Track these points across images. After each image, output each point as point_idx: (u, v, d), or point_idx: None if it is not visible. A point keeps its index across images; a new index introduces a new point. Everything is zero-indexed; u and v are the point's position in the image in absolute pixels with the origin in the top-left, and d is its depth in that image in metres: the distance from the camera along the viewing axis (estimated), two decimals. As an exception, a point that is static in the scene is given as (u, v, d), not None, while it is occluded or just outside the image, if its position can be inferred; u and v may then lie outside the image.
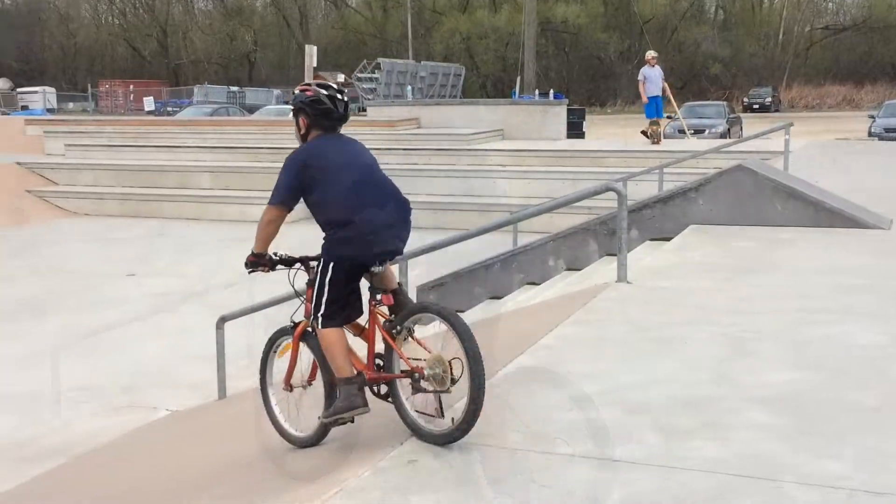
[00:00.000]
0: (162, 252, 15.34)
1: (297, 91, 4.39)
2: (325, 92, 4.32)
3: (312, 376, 4.44)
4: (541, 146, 19.85)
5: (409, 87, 42.15)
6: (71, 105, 67.96)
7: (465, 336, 3.78)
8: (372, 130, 22.10)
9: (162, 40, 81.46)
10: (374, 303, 4.18)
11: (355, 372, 4.05)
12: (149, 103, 59.17)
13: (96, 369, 8.93)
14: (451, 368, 3.77)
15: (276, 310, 8.95)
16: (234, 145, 21.89)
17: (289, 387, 4.61)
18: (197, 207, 19.07)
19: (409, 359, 3.95)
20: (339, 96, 4.37)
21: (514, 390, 4.48)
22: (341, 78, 64.87)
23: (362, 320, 4.26)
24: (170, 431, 6.71)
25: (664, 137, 20.57)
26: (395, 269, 4.65)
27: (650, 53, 19.58)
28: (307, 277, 4.55)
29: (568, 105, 24.63)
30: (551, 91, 42.47)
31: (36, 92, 66.68)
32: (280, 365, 4.75)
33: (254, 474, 4.51)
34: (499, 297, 9.69)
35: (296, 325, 4.60)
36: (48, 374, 8.78)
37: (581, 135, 25.90)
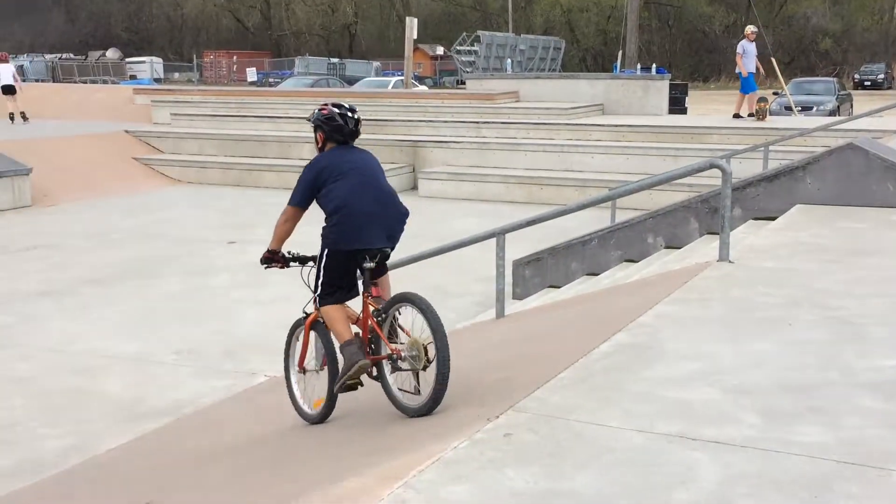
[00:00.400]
0: (262, 221, 15.59)
1: (315, 110, 4.96)
2: (337, 111, 4.90)
3: (324, 362, 4.99)
4: (641, 121, 19.55)
5: (509, 61, 41.90)
6: (176, 75, 69.62)
7: (434, 324, 4.29)
8: (470, 104, 22.07)
9: (265, 12, 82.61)
10: (366, 295, 4.77)
11: (353, 335, 4.67)
12: (251, 74, 60.17)
13: (199, 334, 9.15)
14: (425, 351, 4.31)
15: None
16: (334, 116, 22.09)
17: (302, 370, 5.31)
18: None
19: (390, 343, 4.54)
20: (349, 114, 4.91)
21: (611, 367, 4.43)
22: (440, 50, 64.99)
23: (358, 308, 4.84)
24: (269, 396, 6.84)
25: (770, 114, 20.11)
26: (391, 282, 5.23)
27: (750, 28, 19.31)
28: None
29: (670, 80, 24.18)
30: (653, 65, 41.77)
31: (144, 62, 68.48)
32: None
33: (349, 443, 4.56)
34: (596, 274, 9.59)
35: (307, 315, 5.28)
36: (154, 337, 9.05)
37: (683, 110, 25.45)
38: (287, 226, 5.04)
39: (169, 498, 4.58)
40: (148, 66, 66.90)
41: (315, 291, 4.76)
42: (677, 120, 20.96)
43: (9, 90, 23.77)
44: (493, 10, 72.56)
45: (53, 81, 54.20)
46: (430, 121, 21.06)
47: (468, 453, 3.46)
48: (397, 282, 10.72)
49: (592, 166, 17.82)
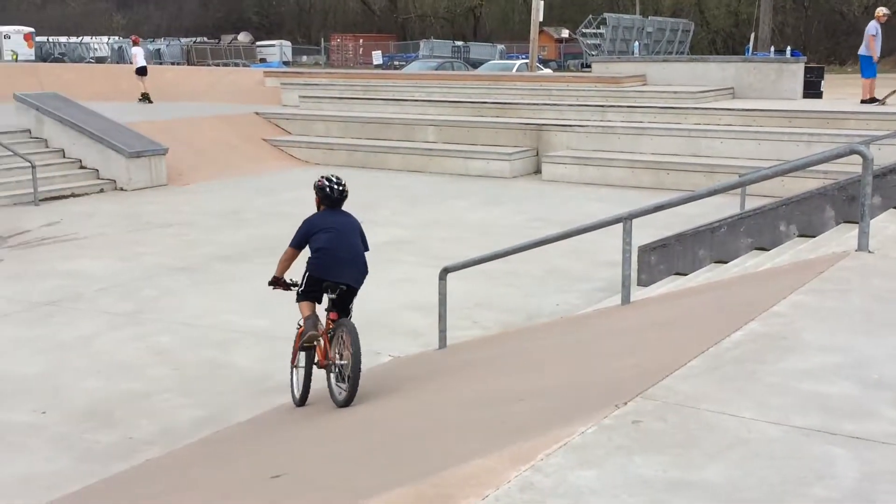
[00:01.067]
0: (386, 203, 15.80)
1: (315, 181, 6.74)
2: (327, 183, 6.63)
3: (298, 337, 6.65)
4: (774, 106, 18.99)
5: (636, 43, 41.21)
6: (304, 58, 70.97)
7: (353, 345, 5.94)
8: (596, 87, 21.82)
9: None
10: (328, 317, 6.44)
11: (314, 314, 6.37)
12: (377, 57, 60.88)
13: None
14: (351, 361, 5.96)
15: (500, 263, 9.08)
16: (459, 100, 22.19)
17: (294, 366, 6.80)
18: (421, 160, 19.50)
19: (330, 354, 6.24)
20: (336, 186, 6.63)
21: (744, 357, 4.32)
22: (565, 33, 64.39)
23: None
24: (392, 376, 6.93)
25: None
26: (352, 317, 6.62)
27: (881, 10, 18.46)
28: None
29: (805, 63, 23.38)
30: (788, 48, 40.42)
31: (273, 45, 70.10)
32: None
33: (473, 426, 4.58)
34: (724, 262, 9.38)
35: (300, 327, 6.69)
36: (281, 313, 9.27)
37: (818, 94, 24.56)
38: (287, 262, 6.66)
39: (299, 469, 4.70)
40: (277, 49, 68.47)
41: (298, 293, 6.52)
42: (812, 104, 20.24)
43: (142, 71, 24.85)
44: (621, -9, 71.41)
45: (188, 64, 55.97)
46: (555, 104, 20.92)
47: (596, 439, 3.43)
48: (524, 263, 10.71)
49: (721, 151, 17.40)
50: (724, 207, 11.83)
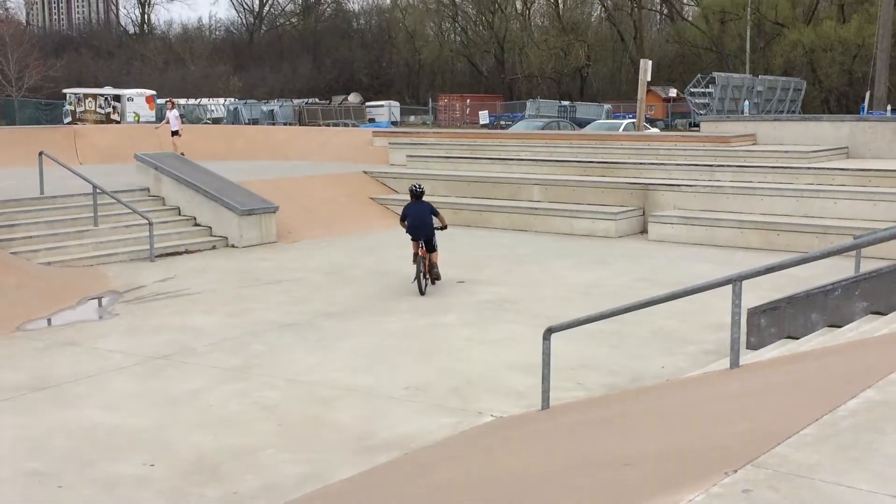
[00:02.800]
0: (491, 261, 15.82)
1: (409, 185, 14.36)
2: (413, 188, 13.56)
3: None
4: (891, 166, 18.41)
5: (746, 102, 40.67)
6: (412, 118, 72.18)
7: (432, 263, 13.38)
8: (704, 146, 21.56)
9: (499, 56, 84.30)
10: (422, 249, 13.19)
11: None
12: (484, 117, 61.49)
13: (428, 370, 9.36)
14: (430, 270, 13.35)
15: (604, 323, 8.96)
16: (564, 159, 22.19)
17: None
18: (526, 219, 19.51)
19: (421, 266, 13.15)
20: (416, 189, 13.58)
21: (860, 426, 4.14)
22: (673, 92, 64.00)
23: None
24: (496, 435, 6.87)
25: None
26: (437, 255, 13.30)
27: None
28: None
29: (924, 122, 22.67)
30: (904, 107, 39.31)
31: (382, 105, 71.53)
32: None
33: (579, 491, 4.50)
34: (838, 326, 9.06)
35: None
36: (385, 371, 9.33)
37: (937, 154, 23.72)
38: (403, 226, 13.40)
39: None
40: (386, 109, 69.84)
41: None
42: (931, 164, 19.56)
43: (175, 133, 26.14)
44: (730, 51, 70.76)
45: (300, 124, 57.51)
46: (662, 164, 20.73)
47: (703, 508, 3.32)
48: (629, 324, 10.55)
49: (835, 212, 16.93)
50: (837, 270, 11.47)
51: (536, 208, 19.63)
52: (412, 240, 13.16)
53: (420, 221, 13.12)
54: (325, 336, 10.79)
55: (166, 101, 27.69)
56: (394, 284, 13.85)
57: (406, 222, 13.26)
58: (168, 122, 26.58)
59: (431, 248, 13.18)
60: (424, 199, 13.57)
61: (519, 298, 12.77)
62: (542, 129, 34.94)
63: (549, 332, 7.44)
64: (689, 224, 17.64)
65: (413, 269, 13.33)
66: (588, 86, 79.94)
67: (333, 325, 11.30)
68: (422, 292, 12.97)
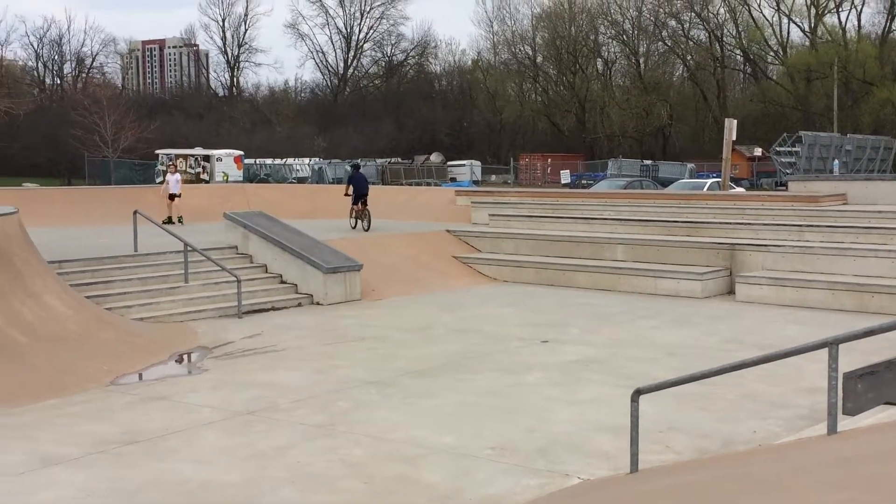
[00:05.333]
0: (574, 321, 15.71)
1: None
2: (354, 162, 26.39)
3: None
4: None
5: (835, 161, 39.98)
6: (493, 177, 72.58)
7: (368, 214, 23.04)
8: (792, 206, 21.24)
9: (580, 115, 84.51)
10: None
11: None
12: (565, 176, 61.52)
13: (513, 430, 9.28)
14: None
15: (692, 385, 8.81)
16: (648, 218, 22.03)
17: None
18: (609, 278, 19.36)
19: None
20: (357, 164, 25.98)
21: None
22: (758, 152, 63.25)
23: None
24: (584, 499, 6.77)
25: None
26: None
27: None
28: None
29: None
30: None
31: (463, 165, 72.14)
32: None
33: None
34: (941, 391, 8.74)
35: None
36: (470, 430, 9.29)
37: None
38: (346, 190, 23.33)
39: None
40: (467, 168, 70.41)
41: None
42: None
43: (173, 198, 26.09)
44: (817, 109, 69.82)
45: (383, 184, 58.26)
46: (749, 223, 20.44)
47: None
48: (718, 387, 10.33)
49: (932, 274, 16.44)
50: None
51: (620, 268, 19.48)
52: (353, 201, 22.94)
53: (363, 186, 23.31)
54: (410, 394, 10.80)
55: (168, 164, 27.98)
56: (476, 342, 13.83)
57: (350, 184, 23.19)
58: (168, 185, 26.58)
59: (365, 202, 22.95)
60: None
61: (604, 358, 12.63)
62: (625, 188, 34.75)
63: (638, 393, 7.34)
64: (779, 285, 17.30)
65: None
66: (670, 145, 79.51)
67: (417, 383, 11.31)
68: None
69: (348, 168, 23.93)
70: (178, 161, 45.30)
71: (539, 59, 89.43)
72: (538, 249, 21.55)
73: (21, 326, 11.95)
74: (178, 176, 27.35)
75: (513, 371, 11.93)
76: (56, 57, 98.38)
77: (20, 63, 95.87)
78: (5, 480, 7.87)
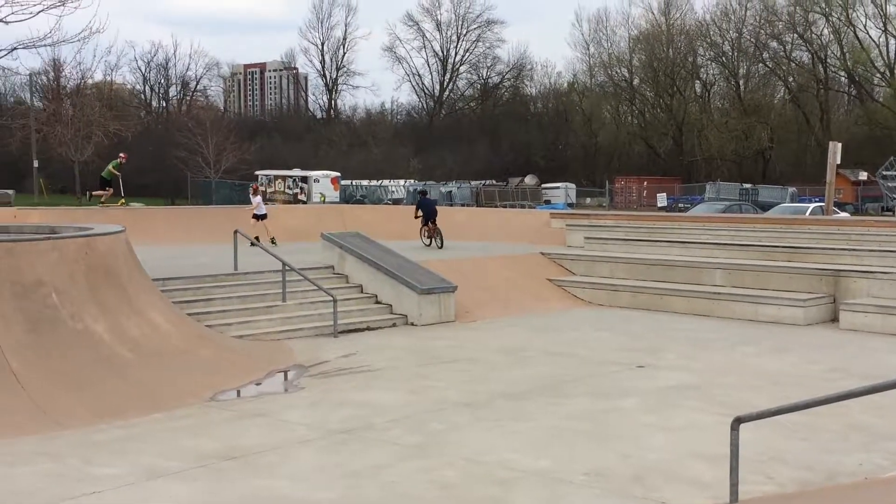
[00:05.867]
0: (671, 346, 15.47)
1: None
2: (422, 188, 33.39)
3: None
4: None
5: (944, 186, 38.57)
6: (588, 200, 72.15)
7: (439, 232, 24.89)
8: (901, 231, 20.58)
9: (677, 138, 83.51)
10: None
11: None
12: (661, 199, 60.81)
13: (607, 456, 9.17)
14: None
15: (794, 414, 8.57)
16: (748, 243, 21.60)
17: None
18: (707, 304, 19.02)
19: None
20: (424, 189, 31.95)
21: None
22: (863, 176, 61.49)
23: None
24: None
25: None
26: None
27: None
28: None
29: None
30: None
31: (558, 188, 71.92)
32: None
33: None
34: None
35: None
36: (563, 455, 9.21)
37: None
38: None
39: None
40: (562, 191, 70.16)
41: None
42: None
43: (261, 217, 25.45)
44: (925, 132, 67.55)
45: (477, 206, 58.44)
46: (854, 249, 19.87)
47: None
48: (820, 416, 10.04)
49: None
50: None
51: (719, 293, 19.12)
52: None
53: (432, 209, 25.11)
54: (503, 416, 10.77)
55: (252, 185, 27.41)
56: (570, 366, 13.73)
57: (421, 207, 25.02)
58: (254, 206, 26.05)
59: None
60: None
61: (701, 385, 12.40)
62: (723, 212, 34.18)
63: (738, 421, 7.18)
64: (885, 313, 16.75)
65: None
66: (771, 168, 77.91)
67: (511, 406, 11.27)
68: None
69: (418, 195, 26.50)
70: (263, 182, 45.77)
71: (636, 81, 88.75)
72: (634, 273, 21.31)
73: (127, 342, 12.31)
74: (258, 198, 26.60)
75: (607, 396, 11.79)
76: (162, 80, 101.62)
77: (129, 87, 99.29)
78: (112, 493, 8.10)
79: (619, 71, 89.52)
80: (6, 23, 13.69)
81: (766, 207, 42.01)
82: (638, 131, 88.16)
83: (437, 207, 26.48)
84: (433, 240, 24.64)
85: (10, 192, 56.05)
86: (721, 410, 10.52)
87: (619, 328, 17.40)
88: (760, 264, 19.76)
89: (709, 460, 8.84)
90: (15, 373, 10.76)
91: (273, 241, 24.81)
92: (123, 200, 29.93)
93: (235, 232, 18.46)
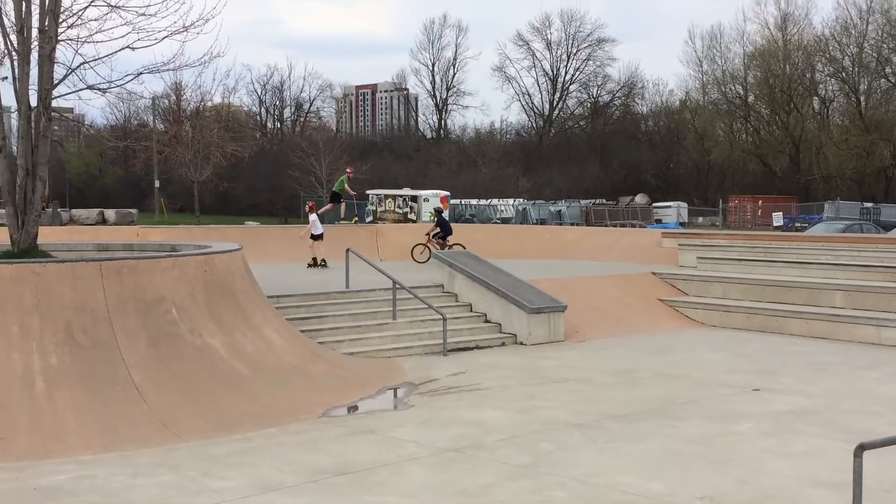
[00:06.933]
0: (788, 369, 15.04)
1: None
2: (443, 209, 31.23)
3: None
4: None
5: None
6: (700, 219, 70.82)
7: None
8: None
9: (794, 156, 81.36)
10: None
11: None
12: (777, 219, 59.22)
13: (723, 481, 8.97)
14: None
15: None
16: (870, 264, 20.85)
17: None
18: (826, 326, 18.43)
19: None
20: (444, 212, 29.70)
21: None
22: None
23: None
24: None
25: None
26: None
27: None
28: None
29: None
30: None
31: (669, 206, 70.83)
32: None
33: None
34: None
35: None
36: (677, 479, 9.03)
37: None
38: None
39: None
40: (674, 210, 69.05)
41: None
42: None
43: (318, 237, 24.51)
44: None
45: (587, 224, 58.01)
46: (984, 270, 18.97)
47: None
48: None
49: None
50: None
51: (838, 315, 18.50)
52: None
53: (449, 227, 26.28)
54: (614, 438, 10.64)
55: (308, 203, 26.14)
56: (683, 387, 13.48)
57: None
58: (311, 226, 24.91)
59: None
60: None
61: (821, 410, 12.02)
62: (843, 231, 33.14)
63: (862, 448, 6.93)
64: None
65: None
66: (893, 187, 75.09)
67: (622, 427, 11.13)
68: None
69: (436, 215, 28.04)
70: (373, 201, 46.22)
71: (750, 98, 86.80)
72: (748, 294, 20.81)
73: (243, 357, 12.62)
74: (313, 216, 25.06)
75: (721, 419, 11.53)
76: (277, 102, 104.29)
77: (245, 109, 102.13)
78: None
79: (733, 88, 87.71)
80: (133, 49, 14.21)
81: (888, 227, 40.56)
82: (752, 149, 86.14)
83: (544, 226, 27.22)
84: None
85: (133, 211, 58.15)
86: (841, 436, 10.19)
87: (732, 350, 17.01)
88: (883, 286, 19.05)
89: (829, 488, 8.56)
90: (137, 386, 11.15)
91: (322, 264, 24.09)
92: (356, 219, 30.94)
93: (347, 250, 18.75)
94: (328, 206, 29.19)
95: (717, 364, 15.59)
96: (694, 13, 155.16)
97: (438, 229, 26.27)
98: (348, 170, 30.77)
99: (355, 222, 29.89)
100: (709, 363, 15.69)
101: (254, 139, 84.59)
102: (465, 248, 24.88)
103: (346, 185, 28.52)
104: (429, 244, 25.96)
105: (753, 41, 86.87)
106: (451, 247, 25.04)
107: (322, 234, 24.67)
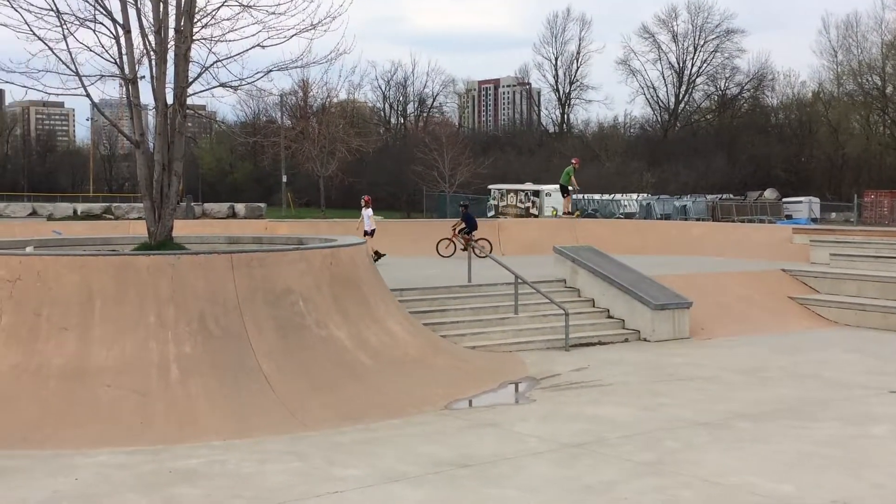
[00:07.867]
0: (928, 371, 14.39)
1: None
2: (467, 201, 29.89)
3: None
4: None
5: None
6: (833, 215, 68.42)
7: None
8: None
9: (935, 149, 77.61)
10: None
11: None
12: (918, 215, 56.66)
13: (857, 485, 8.65)
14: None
15: None
16: None
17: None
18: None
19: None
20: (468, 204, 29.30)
21: None
22: None
23: None
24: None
25: None
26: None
27: None
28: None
29: None
30: None
31: (801, 202, 68.62)
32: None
33: None
34: None
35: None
36: (808, 481, 8.75)
37: None
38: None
39: None
40: (805, 205, 66.86)
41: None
42: None
43: (371, 233, 23.63)
44: None
45: (713, 220, 56.71)
46: None
47: None
48: None
49: None
50: None
51: (984, 316, 17.61)
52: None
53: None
54: (742, 438, 10.38)
55: (364, 198, 24.89)
56: (815, 388, 13.06)
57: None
58: (363, 221, 24.43)
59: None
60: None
61: (965, 415, 11.46)
62: None
63: None
64: None
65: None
66: None
67: (750, 427, 10.85)
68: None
69: (461, 208, 28.11)
70: (495, 196, 46.28)
71: (889, 89, 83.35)
72: (886, 293, 19.98)
73: (367, 349, 12.82)
74: (369, 211, 24.47)
75: (856, 421, 11.12)
76: (401, 98, 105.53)
77: (370, 105, 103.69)
78: (353, 493, 8.44)
79: (869, 79, 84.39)
80: (263, 47, 14.59)
81: None
82: (890, 142, 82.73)
83: (669, 221, 26.42)
84: (468, 249, 20.42)
85: (262, 205, 59.79)
86: None
87: (868, 350, 16.38)
88: None
89: (973, 496, 8.16)
90: (266, 375, 11.45)
91: (375, 257, 22.38)
92: (579, 212, 31.50)
93: (472, 247, 18.82)
94: (567, 199, 29.70)
95: (852, 364, 15.04)
96: (828, 2, 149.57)
97: (464, 224, 26.04)
98: (574, 160, 30.40)
99: (578, 216, 29.83)
100: (842, 363, 15.15)
101: (378, 135, 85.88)
102: (489, 242, 25.58)
103: (572, 177, 28.49)
104: (454, 239, 25.93)
105: (893, 29, 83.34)
106: (476, 241, 23.89)
107: (374, 230, 24.08)
